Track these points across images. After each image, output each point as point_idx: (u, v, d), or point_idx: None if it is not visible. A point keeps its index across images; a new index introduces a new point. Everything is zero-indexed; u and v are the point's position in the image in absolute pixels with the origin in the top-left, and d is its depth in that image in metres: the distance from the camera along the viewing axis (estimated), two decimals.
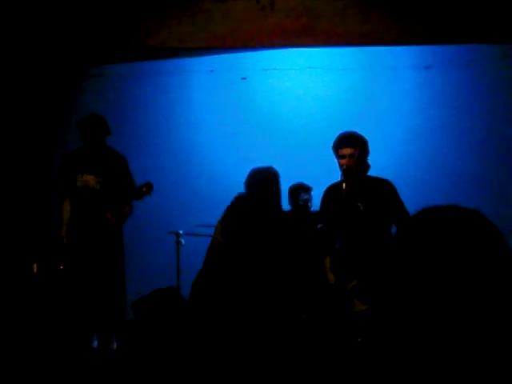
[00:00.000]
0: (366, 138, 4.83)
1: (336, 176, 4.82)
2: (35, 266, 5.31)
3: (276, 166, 7.30)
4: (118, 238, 5.67)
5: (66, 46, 6.14)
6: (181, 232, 6.16)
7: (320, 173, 6.77)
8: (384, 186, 4.76)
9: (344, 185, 4.59)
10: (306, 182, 6.57)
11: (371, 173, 4.89)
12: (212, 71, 7.49)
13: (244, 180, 5.25)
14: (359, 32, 5.94)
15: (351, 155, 4.65)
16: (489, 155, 7.03)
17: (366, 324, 4.47)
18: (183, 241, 6.28)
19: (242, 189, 7.28)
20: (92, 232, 5.41)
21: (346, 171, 4.63)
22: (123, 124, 7.46)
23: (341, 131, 4.83)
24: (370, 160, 4.86)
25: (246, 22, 5.96)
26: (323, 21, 5.95)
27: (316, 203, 6.39)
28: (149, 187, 5.35)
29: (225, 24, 5.99)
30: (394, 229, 4.75)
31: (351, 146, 4.66)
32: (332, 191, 4.86)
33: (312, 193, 6.46)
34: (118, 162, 5.76)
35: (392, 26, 5.91)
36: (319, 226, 5.73)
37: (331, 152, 4.84)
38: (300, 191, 6.45)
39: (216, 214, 6.35)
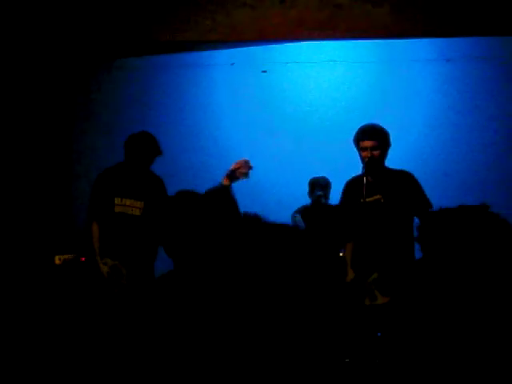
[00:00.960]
0: (387, 130, 4.80)
1: (357, 170, 4.80)
2: (57, 257, 5.14)
3: (296, 160, 7.30)
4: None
5: (88, 39, 6.16)
6: None
7: (341, 166, 6.75)
8: (406, 178, 4.74)
9: (365, 178, 4.57)
10: (328, 175, 6.54)
11: (393, 166, 4.86)
12: (232, 64, 7.48)
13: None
14: (381, 25, 5.90)
15: (373, 147, 4.63)
16: None
17: (386, 318, 4.46)
18: None
19: (260, 182, 7.30)
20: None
21: (368, 163, 4.60)
22: (144, 118, 7.48)
23: (362, 124, 4.81)
24: (391, 153, 4.84)
25: (266, 15, 5.93)
26: (344, 13, 5.91)
27: (336, 197, 6.38)
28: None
29: (245, 17, 5.97)
30: (415, 221, 4.72)
31: (373, 139, 4.64)
32: (353, 184, 4.83)
33: (331, 187, 6.44)
34: (158, 185, 5.29)
35: (414, 19, 5.86)
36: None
37: (353, 145, 4.81)
38: (315, 187, 6.44)
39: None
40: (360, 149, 4.70)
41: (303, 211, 6.49)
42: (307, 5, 5.94)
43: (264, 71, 7.49)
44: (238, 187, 7.10)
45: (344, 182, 5.03)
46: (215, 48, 7.08)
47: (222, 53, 7.33)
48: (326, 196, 6.42)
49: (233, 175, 4.75)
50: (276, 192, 7.20)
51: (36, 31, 6.07)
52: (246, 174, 4.81)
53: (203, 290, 2.27)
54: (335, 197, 6.33)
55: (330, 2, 5.92)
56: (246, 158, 4.81)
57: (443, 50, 7.17)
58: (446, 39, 6.72)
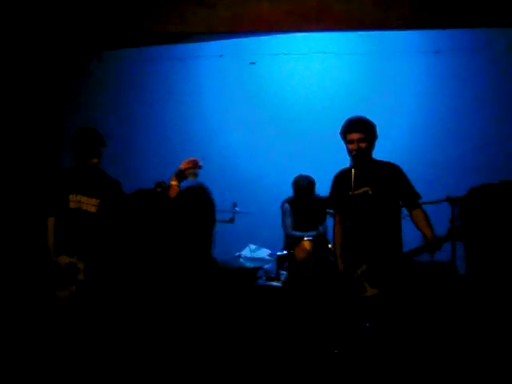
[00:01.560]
0: (376, 122, 4.81)
1: (346, 160, 4.81)
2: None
3: (285, 150, 7.32)
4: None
5: (78, 30, 6.14)
6: None
7: (330, 157, 6.78)
8: (393, 170, 4.75)
9: (353, 170, 4.58)
10: (316, 166, 6.58)
11: (381, 158, 4.88)
12: (221, 56, 7.48)
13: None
14: (369, 17, 5.90)
15: (360, 140, 4.64)
16: (498, 140, 7.01)
17: (375, 309, 4.48)
18: None
19: (250, 174, 7.32)
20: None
21: (355, 156, 4.61)
22: (133, 109, 7.47)
23: (349, 116, 4.81)
24: (380, 144, 4.85)
25: (255, 7, 5.93)
26: (333, 5, 5.91)
27: (324, 189, 6.41)
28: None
29: (233, 8, 5.96)
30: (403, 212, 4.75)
31: (360, 131, 4.65)
32: (342, 177, 4.84)
33: (314, 184, 6.49)
34: (114, 185, 5.18)
35: (402, 10, 5.87)
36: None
37: (340, 138, 4.82)
38: (298, 189, 6.50)
39: (224, 199, 6.39)
40: (347, 141, 4.70)
41: (291, 201, 6.54)
42: None
43: (252, 63, 7.49)
44: (227, 177, 7.14)
45: (333, 173, 5.04)
46: (204, 40, 7.07)
47: (210, 44, 7.33)
48: (310, 194, 6.49)
49: (181, 175, 4.75)
50: (265, 181, 7.22)
51: (25, 23, 6.04)
52: (195, 174, 4.80)
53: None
54: (324, 189, 6.37)
55: None
56: (196, 158, 4.78)
57: (431, 42, 7.19)
58: (433, 31, 6.75)
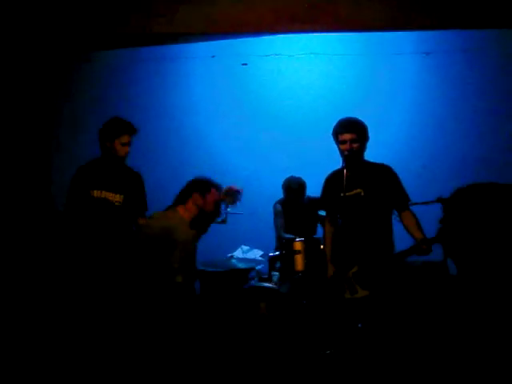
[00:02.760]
0: (368, 123, 4.83)
1: (337, 162, 4.82)
2: None
3: (277, 152, 7.33)
4: None
5: (62, 31, 6.12)
6: None
7: (320, 159, 6.79)
8: (384, 172, 4.77)
9: (345, 171, 4.59)
10: (307, 167, 6.59)
11: (373, 159, 4.89)
12: (213, 57, 7.47)
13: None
14: (361, 17, 5.91)
15: (352, 140, 4.65)
16: (492, 140, 7.03)
17: (367, 310, 4.49)
18: None
19: (242, 175, 7.32)
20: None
21: (347, 157, 4.63)
22: (123, 111, 7.45)
23: (341, 117, 4.83)
24: (372, 145, 4.87)
25: (247, 8, 5.93)
26: (324, 7, 5.92)
27: (315, 190, 6.42)
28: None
29: (225, 9, 5.96)
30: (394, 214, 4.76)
31: (351, 132, 4.67)
32: (333, 178, 4.86)
33: (305, 186, 6.50)
34: (137, 179, 5.21)
35: (393, 12, 5.89)
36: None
37: (331, 138, 4.83)
38: (288, 191, 6.51)
39: None
40: (339, 142, 4.72)
41: (283, 202, 6.54)
42: None
43: (244, 64, 7.49)
44: (218, 179, 7.14)
45: (325, 175, 5.05)
46: (196, 41, 7.07)
47: (202, 45, 7.32)
48: (301, 197, 6.50)
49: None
50: (258, 182, 7.23)
51: (12, 25, 6.02)
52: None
53: None
54: (316, 190, 6.38)
55: None
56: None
57: (423, 44, 7.22)
58: (425, 32, 6.77)
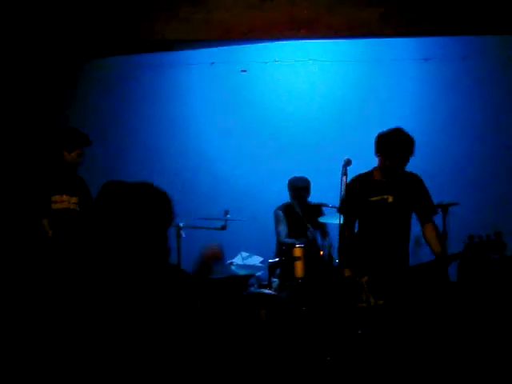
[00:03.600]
0: (366, 129, 4.82)
1: (337, 166, 4.77)
2: None
3: (276, 158, 7.32)
4: None
5: (64, 38, 6.12)
6: (181, 225, 6.14)
7: (320, 165, 6.79)
8: (415, 180, 4.74)
9: (374, 176, 4.55)
10: (308, 173, 6.58)
11: (372, 165, 4.88)
12: (212, 63, 7.47)
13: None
14: (359, 24, 5.93)
15: (401, 160, 4.60)
16: (490, 146, 7.03)
17: (374, 318, 4.46)
18: (184, 234, 6.27)
19: (242, 181, 7.30)
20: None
21: (392, 172, 4.57)
22: (122, 117, 7.45)
23: (390, 129, 4.68)
24: (371, 152, 4.85)
25: (246, 14, 5.94)
26: (324, 13, 5.93)
27: (316, 196, 6.41)
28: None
29: (225, 16, 5.97)
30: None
31: (404, 158, 4.62)
32: (360, 181, 4.77)
33: (310, 185, 6.50)
34: (83, 182, 5.50)
35: (392, 18, 5.90)
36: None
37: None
38: (296, 189, 6.50)
39: (216, 207, 6.38)
40: (386, 158, 4.61)
41: (284, 208, 6.54)
42: (287, 4, 5.95)
43: (244, 70, 7.48)
44: (218, 184, 7.10)
45: (325, 180, 5.03)
46: (195, 47, 7.07)
47: (201, 52, 7.32)
48: (307, 196, 6.50)
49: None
50: (257, 188, 7.22)
51: (13, 33, 6.02)
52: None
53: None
54: (318, 195, 6.37)
55: (308, 1, 5.94)
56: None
57: (422, 50, 7.22)
58: (424, 39, 6.78)
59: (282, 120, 7.42)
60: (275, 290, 5.75)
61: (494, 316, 5.26)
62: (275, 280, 5.96)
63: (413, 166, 4.80)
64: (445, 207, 5.19)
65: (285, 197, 6.62)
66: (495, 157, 7.03)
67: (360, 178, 4.80)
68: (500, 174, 7.00)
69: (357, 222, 4.87)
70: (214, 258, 4.31)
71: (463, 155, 7.06)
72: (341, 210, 4.69)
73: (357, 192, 4.71)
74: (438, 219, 4.93)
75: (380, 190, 4.59)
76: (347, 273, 4.61)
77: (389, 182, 4.65)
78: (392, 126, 4.95)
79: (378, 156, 4.69)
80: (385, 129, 4.75)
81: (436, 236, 4.58)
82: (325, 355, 4.62)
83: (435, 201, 4.93)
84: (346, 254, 4.70)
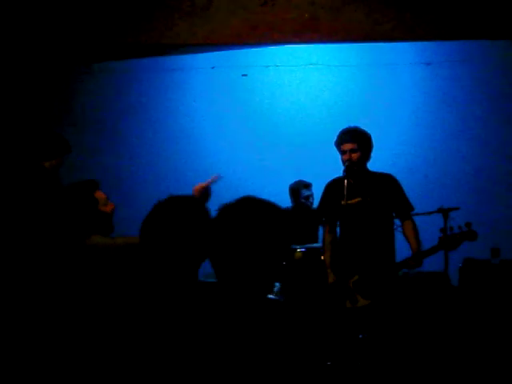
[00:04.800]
0: (369, 133, 4.81)
1: (338, 172, 4.81)
2: None
3: (276, 163, 7.31)
4: None
5: (63, 42, 6.11)
6: None
7: (321, 170, 6.77)
8: (387, 180, 4.75)
9: (346, 181, 4.58)
10: (307, 179, 6.58)
11: (375, 169, 4.88)
12: (213, 68, 7.48)
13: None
14: (361, 28, 5.91)
15: (352, 150, 4.64)
16: (491, 151, 7.03)
17: (368, 320, 4.46)
18: None
19: (242, 185, 7.30)
20: None
21: (347, 167, 4.62)
22: (123, 121, 7.45)
23: (343, 127, 4.82)
24: (374, 156, 4.85)
25: (246, 18, 5.93)
26: (325, 17, 5.92)
27: (318, 200, 6.40)
28: None
29: (225, 20, 5.96)
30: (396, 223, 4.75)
31: (352, 141, 4.66)
32: (334, 186, 4.84)
33: (312, 189, 6.49)
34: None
35: (393, 22, 5.89)
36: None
37: (333, 149, 4.83)
38: (301, 188, 6.48)
39: (214, 211, 6.37)
40: (341, 152, 4.72)
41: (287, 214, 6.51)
42: (287, 8, 5.94)
43: (244, 75, 7.49)
44: (219, 188, 7.09)
45: (325, 184, 5.04)
46: (196, 51, 7.07)
47: (202, 56, 7.33)
48: (313, 196, 6.49)
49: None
50: (258, 193, 7.19)
51: (13, 36, 6.02)
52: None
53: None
54: (317, 199, 6.36)
55: (310, 5, 5.93)
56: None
57: (423, 54, 7.22)
58: (426, 43, 6.77)
59: (283, 124, 7.42)
60: (276, 295, 5.74)
61: (496, 321, 5.25)
62: (276, 284, 5.95)
63: (414, 169, 4.80)
64: (446, 212, 5.18)
65: (287, 201, 6.61)
66: (499, 160, 7.02)
67: (333, 183, 4.86)
68: (502, 179, 6.99)
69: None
70: (202, 195, 4.28)
71: (466, 158, 7.06)
72: (318, 215, 4.82)
73: (330, 196, 4.81)
74: (439, 223, 4.91)
75: (350, 192, 4.61)
76: (331, 278, 4.70)
77: (357, 183, 4.67)
78: (393, 130, 4.98)
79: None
80: (386, 133, 4.78)
81: (412, 233, 4.66)
82: (325, 360, 4.60)
83: (436, 205, 4.94)
84: (329, 258, 4.79)
